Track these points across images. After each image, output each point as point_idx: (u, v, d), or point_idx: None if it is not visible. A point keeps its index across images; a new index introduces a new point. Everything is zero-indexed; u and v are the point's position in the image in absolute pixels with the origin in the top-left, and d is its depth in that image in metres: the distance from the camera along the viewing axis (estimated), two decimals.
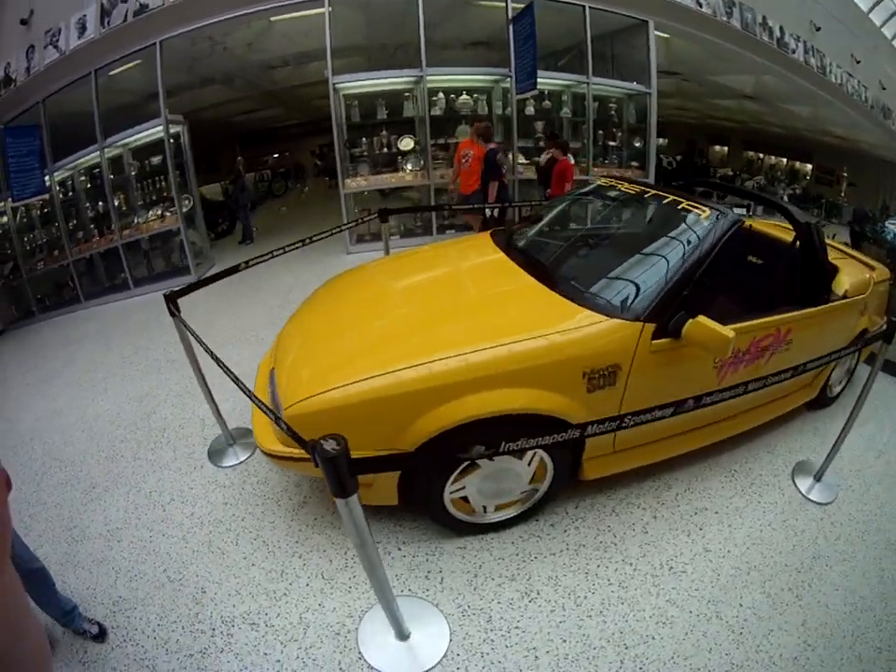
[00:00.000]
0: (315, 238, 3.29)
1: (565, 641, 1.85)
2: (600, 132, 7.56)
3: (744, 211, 5.72)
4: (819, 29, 8.20)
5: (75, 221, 6.94)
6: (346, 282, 2.89)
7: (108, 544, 2.36)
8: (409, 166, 7.12)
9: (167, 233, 6.97)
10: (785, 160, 11.20)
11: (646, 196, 2.70)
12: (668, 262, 2.21)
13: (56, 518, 2.57)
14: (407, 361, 1.89)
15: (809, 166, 10.91)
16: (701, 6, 6.78)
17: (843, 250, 3.52)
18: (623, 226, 2.92)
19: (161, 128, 6.25)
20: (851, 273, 2.95)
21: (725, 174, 11.37)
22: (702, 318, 1.95)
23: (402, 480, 2.04)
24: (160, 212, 6.95)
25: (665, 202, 2.56)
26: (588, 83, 6.91)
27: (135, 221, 6.95)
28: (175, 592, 2.09)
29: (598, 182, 3.14)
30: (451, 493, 2.05)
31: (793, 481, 2.68)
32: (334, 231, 3.39)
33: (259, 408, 1.93)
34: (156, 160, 6.76)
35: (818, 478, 2.67)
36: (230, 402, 3.12)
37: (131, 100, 6.71)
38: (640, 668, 1.77)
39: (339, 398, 1.85)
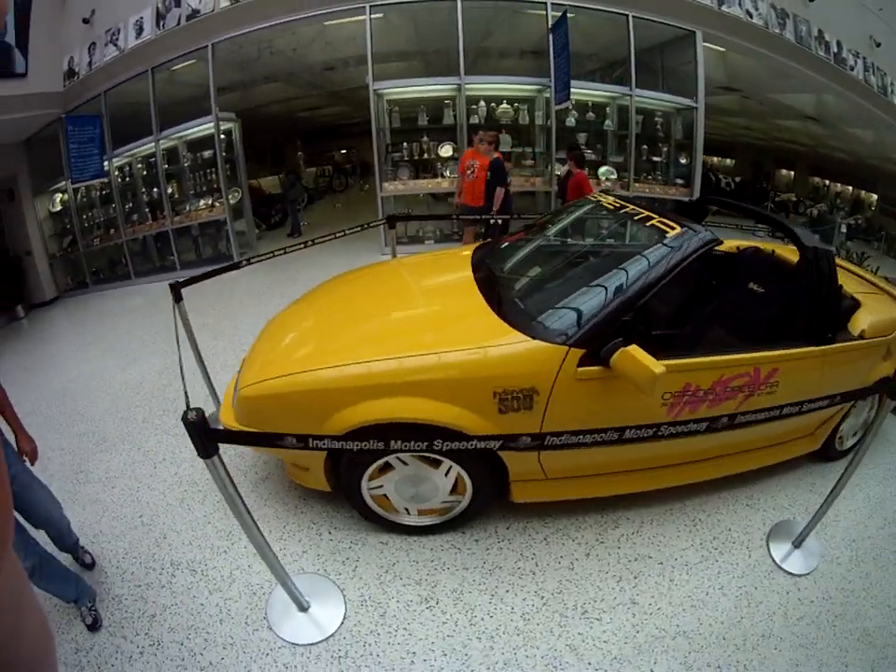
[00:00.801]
0: (317, 241, 3.61)
1: (445, 655, 1.88)
2: (644, 146, 7.52)
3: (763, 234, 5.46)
4: (879, 45, 7.74)
5: (130, 204, 7.72)
6: (328, 286, 3.07)
7: (104, 489, 2.83)
8: (447, 173, 7.38)
9: (215, 222, 7.61)
10: (850, 188, 10.59)
11: (622, 214, 2.64)
12: (612, 285, 2.13)
13: (69, 462, 3.10)
14: (329, 362, 2.09)
15: (875, 196, 10.28)
16: (752, 16, 6.60)
17: (877, 284, 3.16)
18: (586, 245, 2.92)
19: (212, 124, 6.85)
20: (876, 311, 2.67)
21: (788, 198, 10.91)
22: (633, 348, 1.85)
23: (331, 469, 2.24)
24: (209, 202, 7.61)
25: (637, 218, 2.49)
26: (631, 95, 6.85)
27: (187, 209, 7.65)
28: (142, 534, 2.49)
29: (589, 198, 3.12)
30: (370, 488, 2.20)
31: (767, 542, 2.42)
32: (338, 235, 3.68)
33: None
34: (208, 153, 7.39)
35: (797, 543, 2.39)
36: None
37: (191, 95, 7.34)
38: None
39: (277, 385, 2.10)
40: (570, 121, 7.17)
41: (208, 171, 7.52)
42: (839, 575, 2.31)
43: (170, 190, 7.45)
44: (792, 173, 11.84)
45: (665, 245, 2.19)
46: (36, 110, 6.35)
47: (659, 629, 2.01)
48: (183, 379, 2.39)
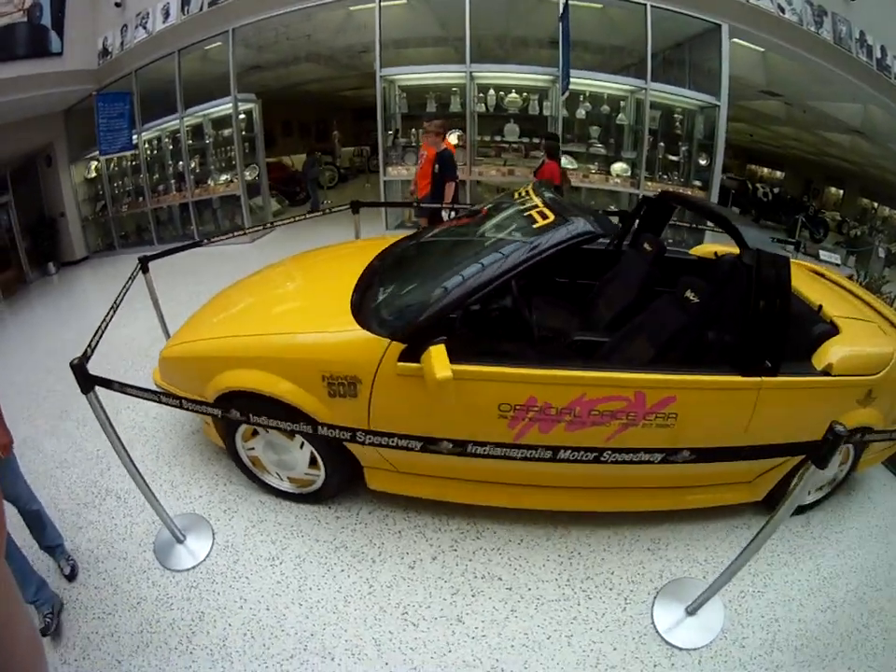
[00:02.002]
0: (275, 224, 4.10)
1: (268, 610, 2.13)
2: (662, 144, 7.52)
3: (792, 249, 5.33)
4: None
5: (157, 175, 8.51)
6: (268, 268, 3.41)
7: (77, 426, 3.41)
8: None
9: (233, 197, 8.25)
10: None
11: (516, 205, 2.57)
12: (448, 280, 2.14)
13: (58, 402, 3.72)
14: (213, 334, 2.52)
15: None
16: (783, 11, 6.42)
17: (879, 310, 2.78)
18: (465, 237, 2.80)
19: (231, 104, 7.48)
20: (857, 342, 2.31)
21: (833, 217, 10.54)
22: (435, 348, 1.88)
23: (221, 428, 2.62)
24: (229, 177, 8.27)
25: (523, 209, 2.43)
26: (646, 89, 6.83)
27: (209, 183, 8.38)
28: (94, 464, 3.03)
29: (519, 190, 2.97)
30: (245, 448, 2.59)
31: (654, 600, 2.20)
32: (298, 219, 4.15)
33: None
34: (228, 131, 8.03)
35: (691, 610, 2.12)
36: None
37: (221, 74, 7.92)
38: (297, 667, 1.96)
39: (180, 350, 2.59)
40: (581, 113, 7.25)
41: (228, 148, 8.18)
42: (736, 661, 1.97)
43: (192, 165, 8.16)
44: (841, 192, 11.35)
45: (520, 238, 2.16)
46: (72, 86, 7.21)
47: (474, 657, 1.97)
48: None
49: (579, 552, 2.42)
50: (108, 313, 2.87)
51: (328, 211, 4.45)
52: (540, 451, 1.67)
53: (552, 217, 2.18)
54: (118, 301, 3.07)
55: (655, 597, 2.22)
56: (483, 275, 2.05)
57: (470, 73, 6.83)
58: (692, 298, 2.44)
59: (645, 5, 6.50)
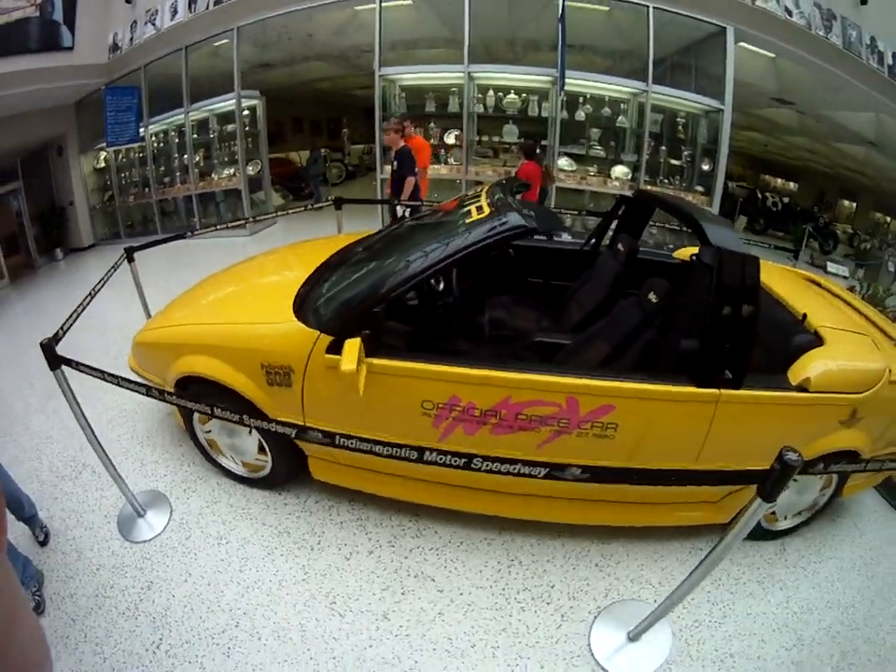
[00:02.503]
0: (258, 218, 4.32)
1: (209, 585, 2.30)
2: (663, 148, 7.58)
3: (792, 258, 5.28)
4: None
5: (163, 168, 8.83)
6: (246, 260, 3.56)
7: (64, 403, 3.60)
8: (451, 160, 7.81)
9: (235, 191, 8.53)
10: None
11: (466, 201, 2.56)
12: (376, 274, 2.24)
13: (52, 382, 3.87)
14: (174, 322, 2.71)
15: None
16: (791, 14, 6.39)
17: (875, 322, 2.64)
18: (407, 234, 2.84)
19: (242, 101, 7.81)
20: (841, 356, 2.15)
21: (844, 229, 10.52)
22: (350, 341, 1.91)
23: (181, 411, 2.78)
24: (232, 171, 8.55)
25: (466, 203, 2.44)
26: (647, 91, 6.89)
27: (213, 177, 8.67)
28: (77, 440, 3.12)
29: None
30: (203, 431, 2.76)
31: (593, 622, 2.11)
32: (279, 214, 4.38)
33: None
34: (231, 126, 8.29)
35: (633, 636, 2.01)
36: None
37: (229, 70, 8.24)
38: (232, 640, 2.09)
39: (147, 336, 2.79)
40: (580, 115, 7.34)
41: (232, 143, 8.44)
42: None
43: (197, 158, 8.47)
44: (854, 205, 11.28)
45: (451, 234, 2.16)
46: (83, 79, 7.60)
47: (394, 655, 1.99)
48: None
49: (520, 560, 2.37)
50: (85, 299, 3.10)
51: (309, 207, 4.64)
52: (406, 451, 1.63)
53: (487, 212, 2.16)
54: (96, 289, 3.30)
55: (596, 617, 2.12)
56: (406, 271, 2.08)
57: (468, 73, 6.97)
58: (653, 299, 2.39)
59: (647, 6, 6.55)
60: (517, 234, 2.00)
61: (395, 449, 1.67)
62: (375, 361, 2.02)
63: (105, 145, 8.16)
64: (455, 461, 1.61)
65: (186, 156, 8.45)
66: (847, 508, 2.87)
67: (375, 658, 1.98)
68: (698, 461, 2.13)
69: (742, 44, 6.65)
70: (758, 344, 2.17)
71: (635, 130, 7.46)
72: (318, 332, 2.13)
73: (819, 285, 3.14)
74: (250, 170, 8.55)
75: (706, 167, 7.47)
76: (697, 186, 7.58)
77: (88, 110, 8.27)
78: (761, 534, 2.51)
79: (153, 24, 7.46)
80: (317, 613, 2.16)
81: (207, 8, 6.97)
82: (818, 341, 2.23)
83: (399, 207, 5.41)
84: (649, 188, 7.11)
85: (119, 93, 7.67)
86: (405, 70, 7.36)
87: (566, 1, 6.16)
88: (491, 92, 7.41)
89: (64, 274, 7.78)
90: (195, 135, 8.25)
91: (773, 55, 7.02)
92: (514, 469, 1.58)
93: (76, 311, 2.84)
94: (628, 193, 3.35)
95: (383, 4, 6.98)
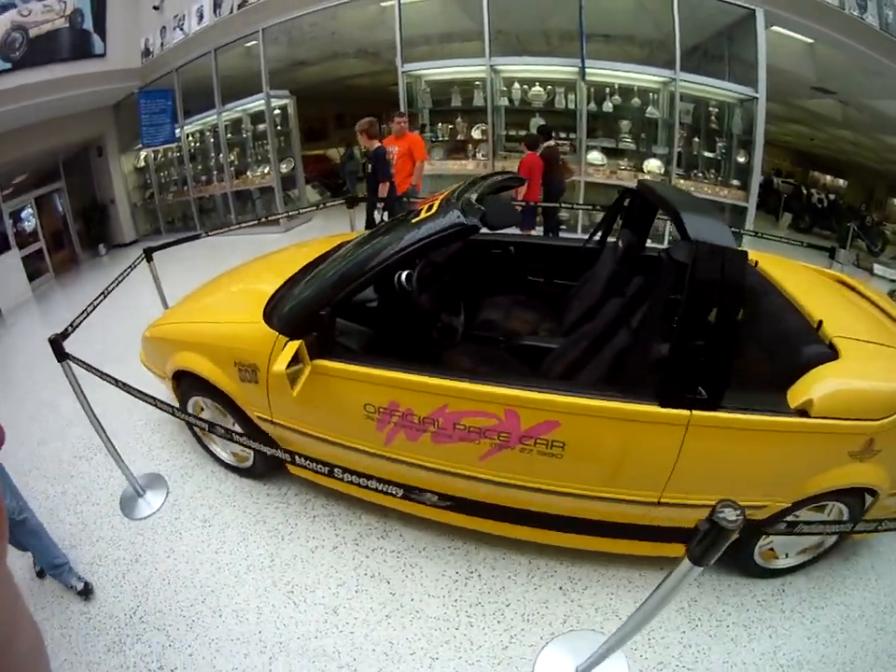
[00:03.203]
0: (270, 217, 4.57)
1: (186, 563, 2.54)
2: (696, 140, 7.43)
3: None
4: None
5: (200, 166, 9.35)
6: (254, 260, 3.76)
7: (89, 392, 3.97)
8: (479, 155, 7.90)
9: (269, 188, 8.93)
10: None
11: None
12: (327, 275, 2.28)
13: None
14: (172, 320, 2.95)
15: None
16: None
17: None
18: (374, 236, 2.71)
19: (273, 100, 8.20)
20: (860, 372, 1.87)
21: (894, 229, 9.92)
22: (291, 343, 1.97)
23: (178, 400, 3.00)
24: (266, 169, 8.95)
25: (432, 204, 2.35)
26: (675, 79, 6.74)
27: (247, 174, 9.11)
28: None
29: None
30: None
31: (542, 649, 2.03)
32: (291, 213, 4.62)
33: None
34: (262, 126, 8.66)
35: (582, 670, 1.85)
36: None
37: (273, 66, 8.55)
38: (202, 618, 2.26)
39: (152, 332, 3.01)
40: (608, 106, 7.26)
41: (265, 141, 8.84)
42: None
43: (231, 157, 8.93)
44: None
45: (396, 234, 2.15)
46: (118, 83, 8.18)
47: (335, 649, 2.08)
48: None
49: (480, 573, 2.35)
50: (97, 297, 3.39)
51: (321, 206, 4.86)
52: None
53: (434, 210, 2.09)
54: (109, 288, 3.61)
55: (547, 644, 2.04)
56: (348, 273, 2.13)
57: (491, 66, 7.03)
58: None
59: None
60: (454, 233, 1.93)
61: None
62: (319, 363, 2.09)
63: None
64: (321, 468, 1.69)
65: (221, 155, 8.92)
66: (869, 545, 2.52)
67: (318, 649, 2.10)
68: (666, 492, 1.94)
69: (775, 28, 6.41)
70: (761, 356, 2.00)
71: (666, 121, 7.27)
72: (277, 334, 2.23)
73: (852, 288, 2.74)
74: (283, 168, 8.92)
75: (741, 160, 7.26)
76: (733, 180, 7.36)
77: (126, 112, 8.85)
78: (758, 572, 2.25)
79: (181, 29, 7.96)
80: (275, 599, 2.31)
81: (231, 12, 7.38)
82: (831, 354, 1.91)
83: (376, 212, 5.40)
84: (647, 178, 6.96)
85: (152, 96, 8.21)
86: (427, 66, 7.49)
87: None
88: (517, 85, 7.45)
89: (106, 268, 8.36)
90: (229, 135, 8.70)
91: (810, 40, 6.72)
92: (371, 484, 1.59)
93: (86, 309, 3.12)
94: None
95: (388, 2, 7.18)
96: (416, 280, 2.42)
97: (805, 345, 1.97)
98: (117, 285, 3.75)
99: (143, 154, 9.52)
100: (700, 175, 7.53)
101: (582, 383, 2.06)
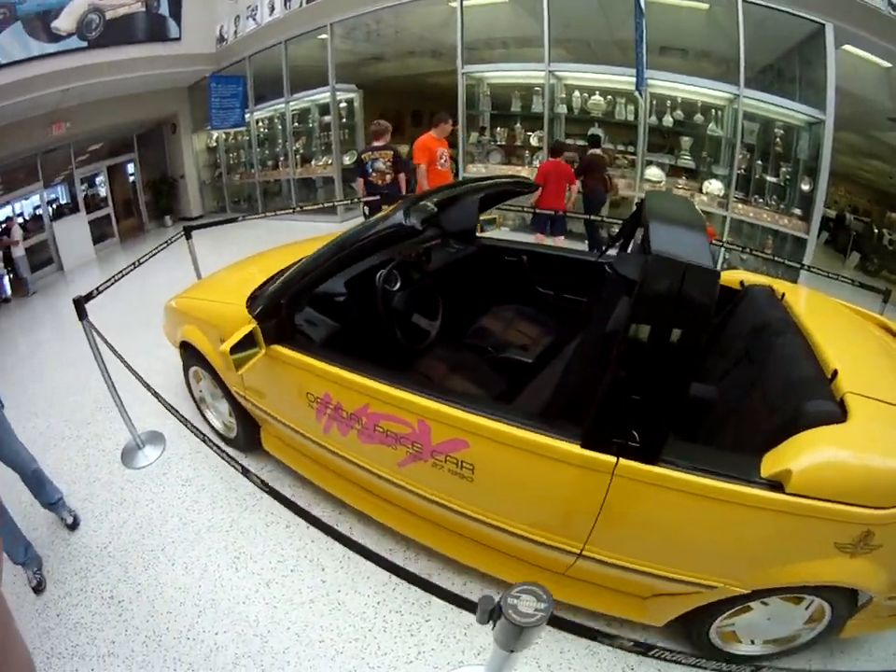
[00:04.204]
0: (305, 207, 4.88)
1: (160, 514, 2.82)
2: (759, 162, 7.18)
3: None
4: None
5: (267, 152, 9.95)
6: (279, 247, 3.94)
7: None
8: (536, 162, 7.89)
9: (332, 178, 9.40)
10: None
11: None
12: (294, 266, 2.35)
13: (126, 330, 4.62)
14: (187, 295, 3.24)
15: None
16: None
17: None
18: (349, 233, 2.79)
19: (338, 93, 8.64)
20: (869, 442, 1.48)
21: None
22: (245, 327, 2.12)
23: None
24: (329, 160, 9.43)
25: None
26: (738, 96, 6.50)
27: (311, 163, 9.64)
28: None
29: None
30: (197, 389, 3.30)
31: None
32: (308, 207, 4.92)
33: None
34: (327, 117, 9.10)
35: None
36: None
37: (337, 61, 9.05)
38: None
39: (170, 304, 3.32)
40: (668, 121, 7.13)
41: (329, 133, 9.29)
42: None
43: (297, 146, 9.47)
44: None
45: (351, 231, 2.19)
46: (192, 66, 8.96)
47: (255, 619, 2.26)
48: None
49: (346, 522, 2.56)
50: (127, 267, 3.78)
51: (353, 202, 5.15)
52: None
53: (390, 210, 2.11)
54: (141, 260, 4.03)
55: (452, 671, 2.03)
56: (302, 267, 2.21)
57: (550, 71, 7.08)
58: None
59: None
60: (392, 233, 1.93)
61: None
62: (274, 348, 2.26)
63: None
64: None
65: (287, 142, 9.48)
66: (865, 640, 2.13)
67: (241, 614, 2.27)
68: (590, 545, 1.75)
69: (847, 47, 6.05)
70: (761, 407, 1.76)
71: (729, 140, 7.05)
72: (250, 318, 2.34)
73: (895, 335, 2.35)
74: (346, 160, 9.27)
75: (805, 188, 6.93)
76: (795, 209, 7.01)
77: (200, 93, 9.53)
78: (713, 654, 1.90)
79: (253, 19, 8.56)
80: (221, 561, 2.54)
81: (301, 6, 7.86)
82: (838, 413, 1.53)
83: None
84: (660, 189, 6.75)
85: (223, 81, 8.88)
86: (486, 68, 7.64)
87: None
88: (577, 94, 7.45)
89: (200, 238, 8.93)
90: (296, 124, 9.24)
91: (888, 64, 6.25)
92: None
93: (114, 276, 3.50)
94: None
95: (474, 1, 7.35)
96: (383, 279, 2.57)
97: (808, 399, 1.59)
98: (150, 258, 4.18)
99: (214, 134, 10.24)
100: (760, 200, 7.24)
101: (494, 404, 1.93)
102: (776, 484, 1.44)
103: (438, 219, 2.06)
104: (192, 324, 2.97)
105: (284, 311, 2.22)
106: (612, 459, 1.54)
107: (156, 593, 2.43)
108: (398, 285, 2.77)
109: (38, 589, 2.47)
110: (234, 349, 2.07)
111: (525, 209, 6.43)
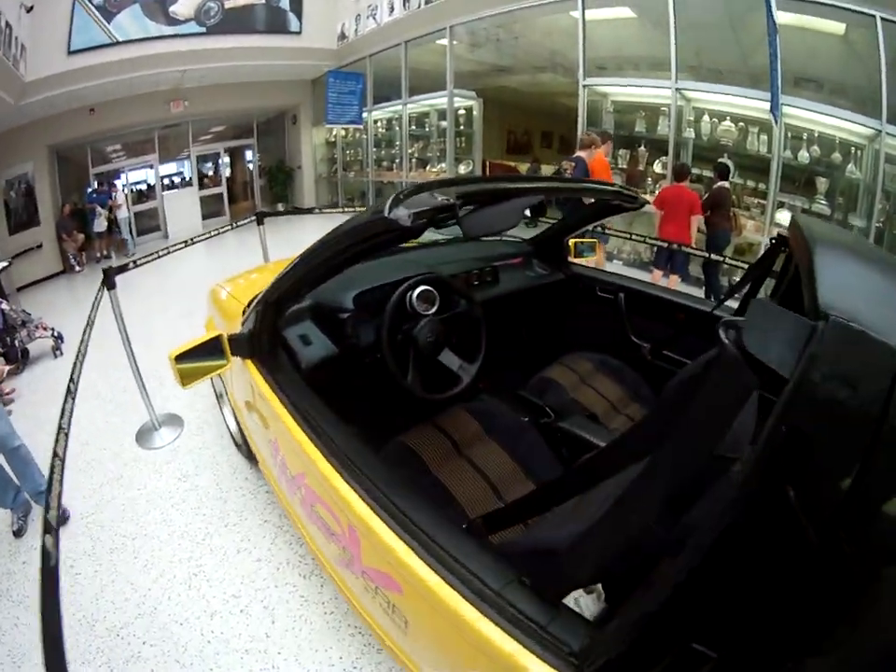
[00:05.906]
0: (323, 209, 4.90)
1: (148, 502, 2.93)
2: None
3: None
4: None
5: (383, 152, 10.28)
6: None
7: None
8: (656, 189, 7.22)
9: None
10: None
11: None
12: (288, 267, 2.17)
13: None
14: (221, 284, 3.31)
15: None
16: None
17: None
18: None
19: (456, 99, 8.68)
20: None
21: None
22: (205, 335, 1.86)
23: None
24: (443, 166, 9.48)
25: None
26: (881, 132, 5.48)
27: (426, 168, 9.80)
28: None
29: None
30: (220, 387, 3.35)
31: None
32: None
33: None
34: (444, 123, 9.11)
35: None
36: None
37: (463, 69, 9.01)
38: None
39: (212, 287, 3.39)
40: (804, 156, 6.26)
41: (445, 140, 9.34)
42: None
43: (412, 150, 9.67)
44: None
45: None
46: (313, 60, 9.44)
47: (184, 644, 2.20)
48: None
49: (320, 576, 2.43)
50: (176, 245, 4.06)
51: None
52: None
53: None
54: (195, 239, 4.33)
55: None
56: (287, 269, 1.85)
57: (676, 89, 6.53)
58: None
59: (875, 16, 5.20)
60: (370, 224, 1.45)
61: None
62: (247, 363, 2.01)
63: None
64: None
65: (403, 145, 9.71)
66: None
67: (174, 635, 2.23)
68: None
69: None
70: None
71: (868, 186, 5.99)
72: None
73: None
74: (462, 168, 9.27)
75: None
76: None
77: (322, 88, 9.87)
78: None
79: (374, 18, 8.82)
80: (179, 572, 2.54)
81: (419, 6, 7.96)
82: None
83: None
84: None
85: (342, 77, 9.25)
86: (609, 81, 7.26)
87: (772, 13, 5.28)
88: (706, 118, 6.83)
89: (280, 225, 9.38)
90: (413, 127, 9.44)
91: None
92: None
93: (157, 251, 3.78)
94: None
95: (598, 16, 7.09)
96: (401, 297, 2.07)
97: None
98: (205, 240, 4.53)
99: (333, 130, 10.75)
100: None
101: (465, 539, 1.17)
102: None
103: (454, 216, 1.29)
104: (212, 314, 3.05)
105: (258, 320, 1.87)
106: None
107: (109, 579, 2.49)
108: (433, 308, 2.18)
109: (18, 533, 2.66)
110: (183, 357, 1.72)
111: (636, 237, 5.28)
